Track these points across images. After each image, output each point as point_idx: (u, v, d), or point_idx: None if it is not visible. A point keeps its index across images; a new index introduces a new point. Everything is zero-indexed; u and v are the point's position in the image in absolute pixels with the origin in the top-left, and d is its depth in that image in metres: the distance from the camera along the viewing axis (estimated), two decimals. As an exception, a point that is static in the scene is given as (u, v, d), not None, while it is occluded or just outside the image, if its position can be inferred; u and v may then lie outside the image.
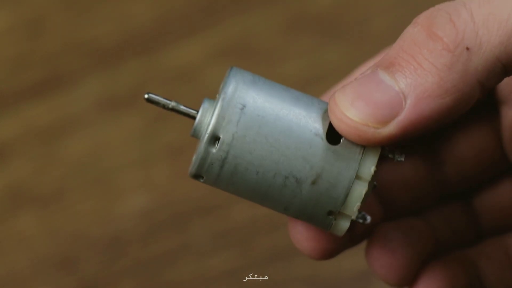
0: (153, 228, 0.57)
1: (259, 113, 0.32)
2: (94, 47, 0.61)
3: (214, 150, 0.32)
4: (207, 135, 0.32)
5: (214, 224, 0.57)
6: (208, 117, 0.33)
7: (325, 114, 0.33)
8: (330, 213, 0.33)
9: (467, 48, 0.31)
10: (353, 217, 0.33)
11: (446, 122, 0.32)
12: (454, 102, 0.31)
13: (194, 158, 0.33)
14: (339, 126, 0.32)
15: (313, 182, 0.33)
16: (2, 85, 0.61)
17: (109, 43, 0.61)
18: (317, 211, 0.33)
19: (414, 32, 0.31)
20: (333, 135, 0.33)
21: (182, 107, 0.33)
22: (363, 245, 0.56)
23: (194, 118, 0.33)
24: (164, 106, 0.33)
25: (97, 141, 0.59)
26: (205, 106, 0.33)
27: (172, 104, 0.33)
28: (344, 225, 0.34)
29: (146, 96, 0.33)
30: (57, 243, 0.57)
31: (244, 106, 0.32)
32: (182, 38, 0.61)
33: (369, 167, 0.33)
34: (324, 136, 0.32)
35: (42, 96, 0.61)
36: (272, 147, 0.32)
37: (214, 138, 0.32)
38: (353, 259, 0.55)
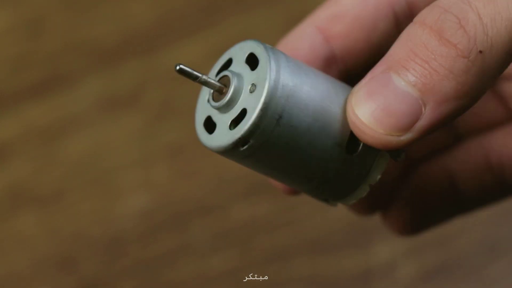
0: (153, 228, 0.57)
1: (293, 124, 0.32)
2: (94, 47, 0.61)
3: (241, 149, 0.32)
4: (238, 138, 0.32)
5: (214, 224, 0.57)
6: (238, 96, 0.32)
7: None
8: (326, 199, 0.35)
9: (480, 51, 0.31)
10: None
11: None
12: (471, 101, 0.32)
13: (218, 144, 0.32)
14: (362, 138, 0.32)
15: (322, 183, 0.34)
16: (2, 85, 0.62)
17: (109, 43, 0.61)
18: (316, 195, 0.35)
19: (423, 35, 0.31)
20: (352, 141, 0.33)
21: (212, 81, 0.33)
22: (362, 244, 0.56)
23: (221, 92, 0.32)
24: (195, 79, 0.33)
25: (97, 141, 0.59)
26: (235, 84, 0.32)
27: (203, 77, 0.32)
28: (334, 204, 0.35)
29: (177, 67, 0.32)
30: (57, 243, 0.57)
31: (280, 117, 0.32)
32: (182, 38, 0.61)
33: (376, 175, 0.34)
34: (345, 146, 0.33)
35: (42, 96, 0.61)
36: (296, 154, 0.32)
37: (244, 141, 0.32)
38: (353, 259, 0.55)
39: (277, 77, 0.32)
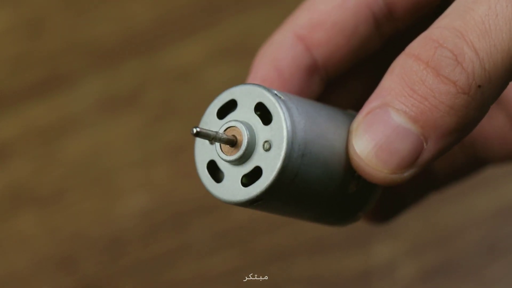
0: (153, 228, 0.57)
1: (306, 179, 0.32)
2: (94, 47, 0.62)
3: (253, 204, 0.32)
4: (253, 198, 0.32)
5: (214, 224, 0.57)
6: (251, 151, 0.32)
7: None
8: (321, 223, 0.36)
9: (479, 86, 0.31)
10: None
11: None
12: (471, 130, 0.32)
13: (229, 198, 0.32)
14: (367, 178, 0.33)
15: (324, 217, 0.34)
16: (2, 85, 0.62)
17: (109, 43, 0.62)
18: (313, 222, 0.35)
19: (419, 71, 0.32)
20: (354, 179, 0.34)
21: (226, 137, 0.32)
22: (362, 244, 0.56)
23: (231, 144, 0.32)
24: (212, 138, 0.32)
25: (97, 141, 0.60)
26: (248, 139, 0.32)
27: (219, 134, 0.32)
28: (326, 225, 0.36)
29: (194, 131, 0.31)
30: (57, 243, 0.57)
31: (295, 176, 0.32)
32: (182, 38, 0.61)
33: (372, 204, 0.35)
34: (349, 186, 0.33)
35: (42, 96, 0.61)
36: (305, 202, 0.33)
37: (258, 199, 0.32)
38: (353, 259, 0.56)
39: (293, 138, 0.31)
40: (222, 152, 0.32)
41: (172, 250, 0.57)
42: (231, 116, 0.32)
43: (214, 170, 0.32)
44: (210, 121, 0.32)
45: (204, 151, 0.32)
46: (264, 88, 0.32)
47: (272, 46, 0.37)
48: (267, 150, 0.31)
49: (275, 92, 0.32)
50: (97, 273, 0.56)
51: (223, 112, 0.32)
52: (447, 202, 0.56)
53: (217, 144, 0.32)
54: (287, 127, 0.31)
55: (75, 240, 0.57)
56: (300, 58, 0.37)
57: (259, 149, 0.32)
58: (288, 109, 0.32)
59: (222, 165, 0.32)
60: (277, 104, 0.31)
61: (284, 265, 0.56)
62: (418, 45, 0.32)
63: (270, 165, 0.31)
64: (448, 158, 0.40)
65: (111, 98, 0.60)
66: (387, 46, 0.38)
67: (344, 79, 0.38)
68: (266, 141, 0.32)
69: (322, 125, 0.32)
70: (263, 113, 0.32)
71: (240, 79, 0.62)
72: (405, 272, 0.55)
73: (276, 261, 0.56)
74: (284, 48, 0.37)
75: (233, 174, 0.32)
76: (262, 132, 0.32)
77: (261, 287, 0.56)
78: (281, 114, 0.31)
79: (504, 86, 0.32)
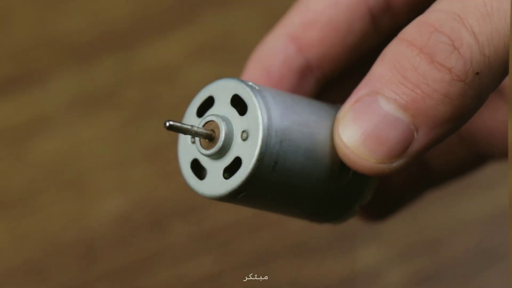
0: (130, 232, 0.57)
1: (287, 167, 0.33)
2: (66, 42, 0.61)
3: (237, 197, 0.33)
4: (235, 188, 0.32)
5: (194, 227, 0.57)
6: (230, 143, 0.33)
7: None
8: (315, 221, 0.36)
9: (477, 73, 0.31)
10: None
11: None
12: (467, 119, 0.32)
13: (212, 193, 0.33)
14: (354, 168, 0.33)
15: (314, 212, 0.35)
16: (-34, 82, 0.61)
17: (83, 38, 0.61)
18: (306, 219, 0.36)
19: (412, 57, 0.31)
20: (343, 169, 0.34)
21: (203, 131, 0.33)
22: (349, 248, 0.57)
23: (209, 138, 0.33)
24: (186, 132, 0.33)
25: (70, 142, 0.59)
26: (225, 130, 0.33)
27: (194, 129, 0.33)
28: (322, 223, 0.36)
29: (167, 124, 0.32)
30: (27, 250, 0.57)
31: (276, 163, 0.33)
32: (161, 34, 0.61)
33: (367, 196, 0.35)
34: (337, 176, 0.34)
35: (9, 94, 0.60)
36: (291, 193, 0.33)
37: (241, 190, 0.33)
38: (340, 263, 0.56)
39: (269, 124, 0.32)
40: (201, 148, 0.33)
41: (150, 255, 0.57)
42: (209, 112, 0.33)
43: (198, 169, 0.34)
44: (191, 121, 0.34)
45: (187, 151, 0.34)
46: (239, 80, 0.33)
47: (263, 48, 0.37)
48: (245, 139, 0.33)
49: (250, 83, 0.33)
50: (70, 281, 0.56)
51: (202, 110, 0.34)
52: (437, 206, 0.56)
53: (197, 141, 0.33)
54: (261, 114, 0.32)
55: (46, 246, 0.57)
56: (291, 59, 0.37)
57: (238, 140, 0.33)
58: (263, 97, 0.33)
59: (205, 162, 0.33)
60: (251, 93, 0.32)
61: (267, 269, 0.56)
62: (412, 30, 0.31)
63: (248, 153, 0.32)
64: (449, 153, 0.40)
65: (85, 97, 0.60)
66: (387, 41, 0.37)
67: (343, 77, 0.38)
68: (243, 131, 0.33)
69: (301, 113, 0.33)
70: (241, 106, 0.33)
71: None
72: (392, 278, 0.55)
73: (259, 265, 0.56)
74: (275, 50, 0.37)
75: (215, 169, 0.33)
76: (240, 123, 0.33)
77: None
78: (256, 102, 0.32)
79: (505, 73, 0.32)
